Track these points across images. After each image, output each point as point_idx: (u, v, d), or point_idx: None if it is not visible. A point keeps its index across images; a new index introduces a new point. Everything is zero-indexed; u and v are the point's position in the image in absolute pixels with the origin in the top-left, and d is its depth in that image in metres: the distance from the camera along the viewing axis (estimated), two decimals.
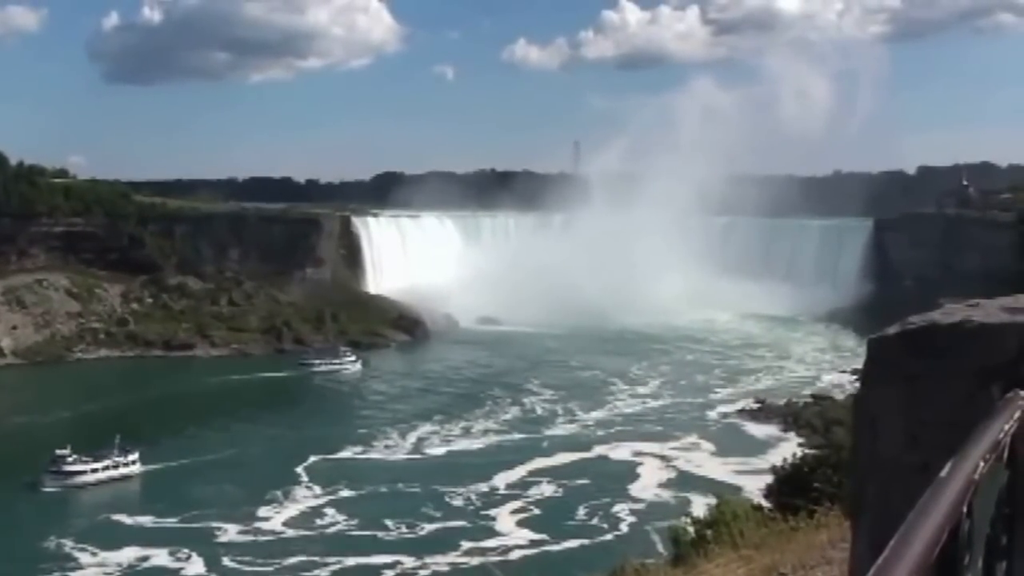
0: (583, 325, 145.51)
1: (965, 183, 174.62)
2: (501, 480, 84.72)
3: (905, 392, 4.13)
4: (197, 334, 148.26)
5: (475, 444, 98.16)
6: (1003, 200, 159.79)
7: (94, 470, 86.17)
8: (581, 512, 76.71)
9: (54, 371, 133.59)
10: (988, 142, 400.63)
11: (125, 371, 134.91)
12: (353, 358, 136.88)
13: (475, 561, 67.00)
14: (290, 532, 73.91)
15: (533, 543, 70.93)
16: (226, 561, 68.62)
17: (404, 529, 73.85)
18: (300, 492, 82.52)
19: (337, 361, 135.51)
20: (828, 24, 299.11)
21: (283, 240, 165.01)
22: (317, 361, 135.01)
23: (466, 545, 70.16)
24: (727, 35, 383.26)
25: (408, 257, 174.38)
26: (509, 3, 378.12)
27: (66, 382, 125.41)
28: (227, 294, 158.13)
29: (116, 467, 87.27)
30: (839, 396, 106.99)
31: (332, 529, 74.86)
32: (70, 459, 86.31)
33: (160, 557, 69.12)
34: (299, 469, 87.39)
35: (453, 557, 68.14)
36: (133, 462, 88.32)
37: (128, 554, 69.41)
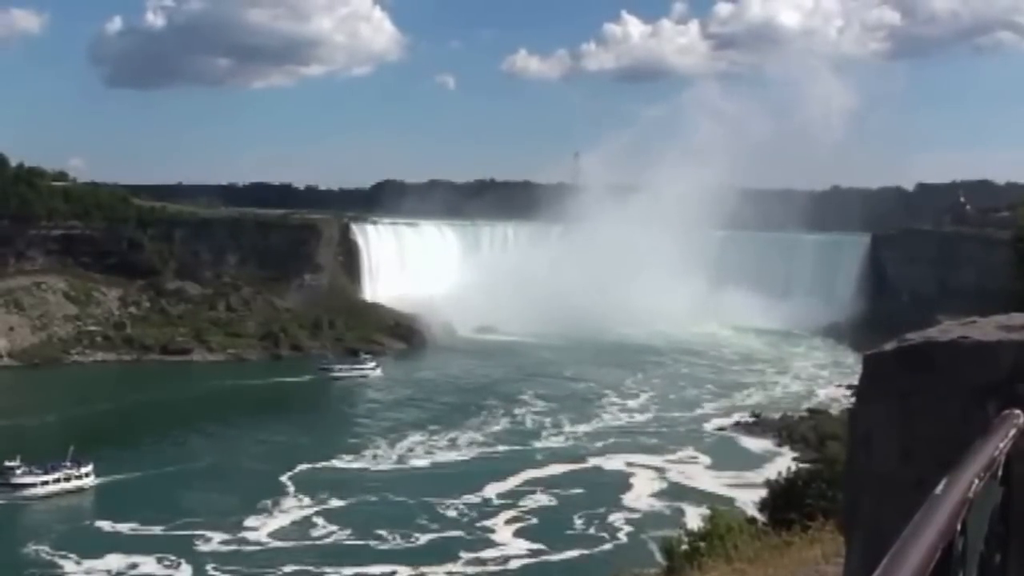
0: (580, 336, 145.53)
1: (962, 200, 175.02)
2: (495, 490, 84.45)
3: (900, 408, 4.15)
4: (194, 339, 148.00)
5: (469, 454, 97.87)
6: (1001, 218, 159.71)
7: (44, 482, 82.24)
8: (576, 522, 76.44)
9: (49, 374, 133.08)
10: (987, 160, 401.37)
11: (121, 375, 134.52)
12: (374, 364, 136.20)
13: (472, 571, 66.84)
14: (278, 542, 72.84)
15: (529, 553, 70.73)
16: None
17: (399, 539, 73.43)
18: (289, 501, 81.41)
19: (359, 366, 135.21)
20: (828, 40, 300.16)
21: (281, 246, 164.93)
22: (337, 366, 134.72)
23: (463, 555, 69.88)
24: (727, 49, 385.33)
25: (406, 265, 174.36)
26: (511, 15, 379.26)
27: (59, 385, 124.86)
28: (225, 299, 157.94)
29: (68, 479, 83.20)
30: (835, 411, 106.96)
31: (325, 540, 74.20)
32: (19, 471, 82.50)
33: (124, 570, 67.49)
34: (288, 477, 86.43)
35: (450, 567, 67.86)
36: (87, 474, 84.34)
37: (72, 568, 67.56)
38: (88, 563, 68.36)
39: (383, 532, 74.19)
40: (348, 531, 74.83)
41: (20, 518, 78.75)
